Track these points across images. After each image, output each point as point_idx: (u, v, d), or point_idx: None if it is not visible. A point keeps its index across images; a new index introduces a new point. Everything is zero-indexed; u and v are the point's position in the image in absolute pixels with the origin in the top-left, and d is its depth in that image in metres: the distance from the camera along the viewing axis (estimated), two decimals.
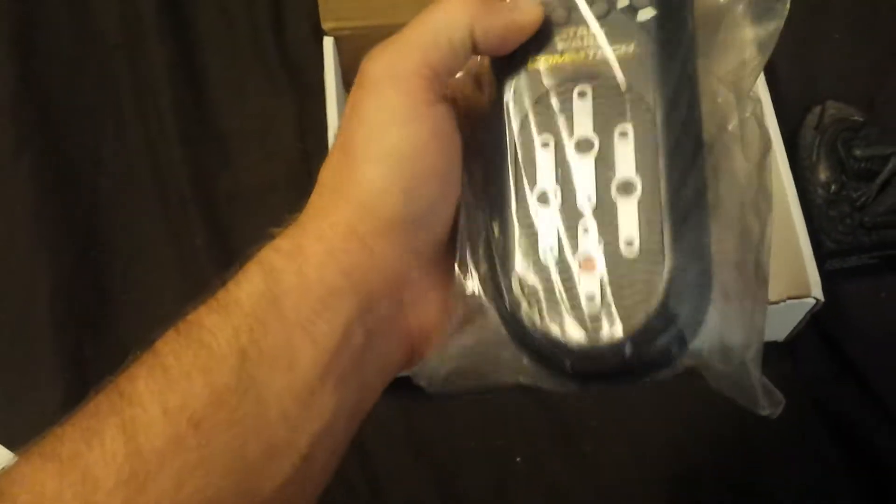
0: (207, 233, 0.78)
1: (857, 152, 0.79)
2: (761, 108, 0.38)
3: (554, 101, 0.37)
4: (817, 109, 0.82)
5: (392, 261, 0.36)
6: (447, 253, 0.38)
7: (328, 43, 0.75)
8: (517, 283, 0.36)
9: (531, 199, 0.37)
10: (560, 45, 0.37)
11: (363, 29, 0.76)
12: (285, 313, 0.34)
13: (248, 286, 0.35)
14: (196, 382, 0.33)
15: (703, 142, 0.36)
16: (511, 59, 0.38)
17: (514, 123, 0.37)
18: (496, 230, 0.37)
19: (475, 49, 0.37)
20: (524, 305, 0.36)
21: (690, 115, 0.36)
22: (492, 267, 0.37)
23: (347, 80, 0.79)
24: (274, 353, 0.34)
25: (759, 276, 0.37)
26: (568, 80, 0.37)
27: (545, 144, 0.37)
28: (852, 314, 0.75)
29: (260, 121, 0.83)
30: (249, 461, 0.33)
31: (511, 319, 0.37)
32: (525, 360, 0.37)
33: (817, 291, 0.66)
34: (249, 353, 0.34)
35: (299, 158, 0.80)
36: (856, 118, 0.81)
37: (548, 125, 0.37)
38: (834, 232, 0.78)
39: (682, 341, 0.35)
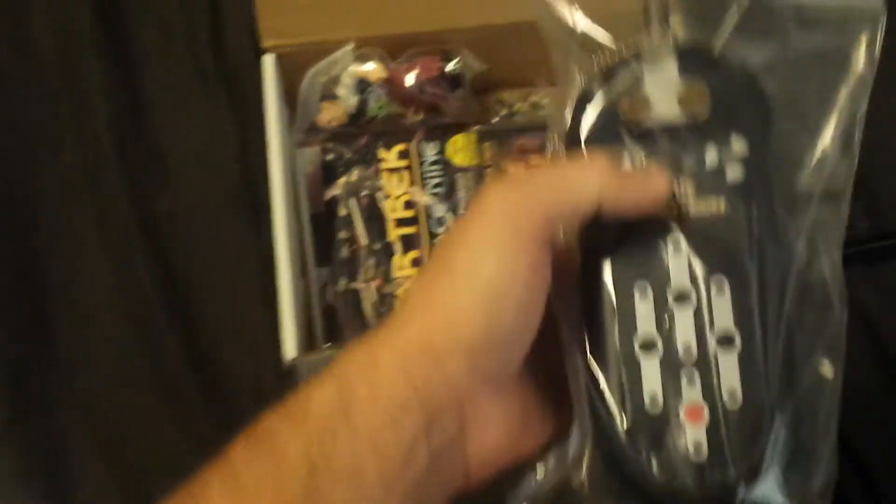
0: (147, 252, 0.77)
1: None
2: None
3: (652, 251, 0.38)
4: None
5: (462, 380, 0.37)
6: (516, 383, 0.39)
7: (268, 60, 0.75)
8: (623, 432, 0.37)
9: (635, 346, 0.38)
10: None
11: (304, 45, 0.76)
12: (355, 425, 0.35)
13: (320, 397, 0.36)
14: (266, 494, 0.34)
15: (791, 296, 0.38)
16: None
17: (612, 270, 0.39)
18: (600, 374, 0.38)
19: (599, 211, 0.37)
20: (632, 452, 0.37)
21: (778, 271, 0.38)
22: (595, 412, 0.38)
23: (290, 96, 0.79)
24: (342, 466, 0.34)
25: (830, 424, 0.39)
26: (664, 231, 0.38)
27: (643, 292, 0.38)
28: None
29: (200, 139, 0.82)
30: None
31: (615, 464, 0.38)
32: None
33: None
34: (318, 464, 0.34)
35: (241, 177, 0.80)
36: None
37: (646, 273, 0.38)
38: None
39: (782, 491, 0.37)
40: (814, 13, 0.41)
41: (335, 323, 0.74)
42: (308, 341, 0.72)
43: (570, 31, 0.41)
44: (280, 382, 0.68)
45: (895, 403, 0.74)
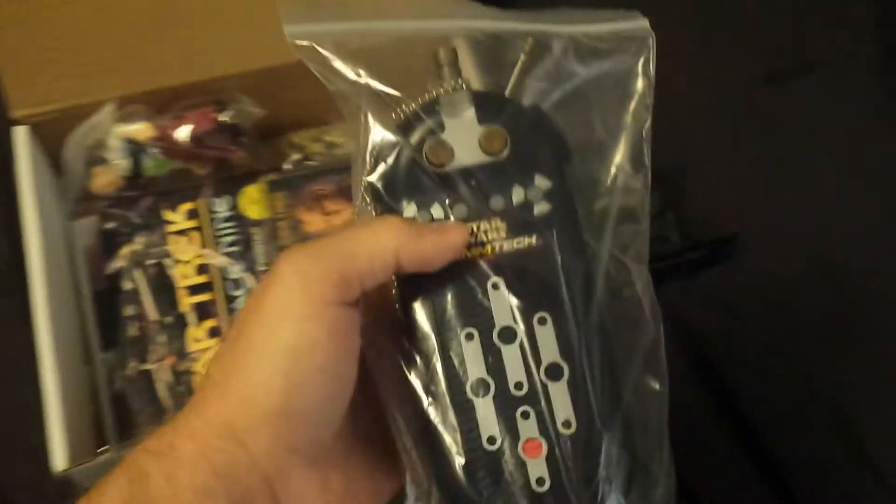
0: None
1: None
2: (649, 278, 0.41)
3: (471, 295, 0.39)
4: None
5: (269, 458, 0.35)
6: (335, 453, 0.38)
7: (20, 132, 0.68)
8: (463, 475, 0.38)
9: (467, 389, 0.38)
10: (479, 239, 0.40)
11: (60, 112, 0.70)
12: None
13: (113, 493, 0.34)
14: None
15: (607, 315, 0.40)
16: None
17: (436, 317, 0.39)
18: (436, 422, 0.38)
19: (398, 268, 0.37)
20: (472, 492, 0.38)
21: (591, 294, 0.39)
22: (431, 460, 0.38)
23: (55, 163, 0.72)
24: None
25: (662, 436, 0.40)
26: (481, 274, 0.39)
27: (469, 336, 0.38)
28: None
29: None
30: None
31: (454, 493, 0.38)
32: None
33: None
34: None
35: (9, 258, 0.73)
36: None
37: (469, 317, 0.39)
38: None
39: None
40: (589, 46, 0.42)
41: (127, 412, 0.68)
42: (97, 437, 0.66)
43: (357, 84, 0.40)
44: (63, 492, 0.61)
45: (717, 414, 0.72)
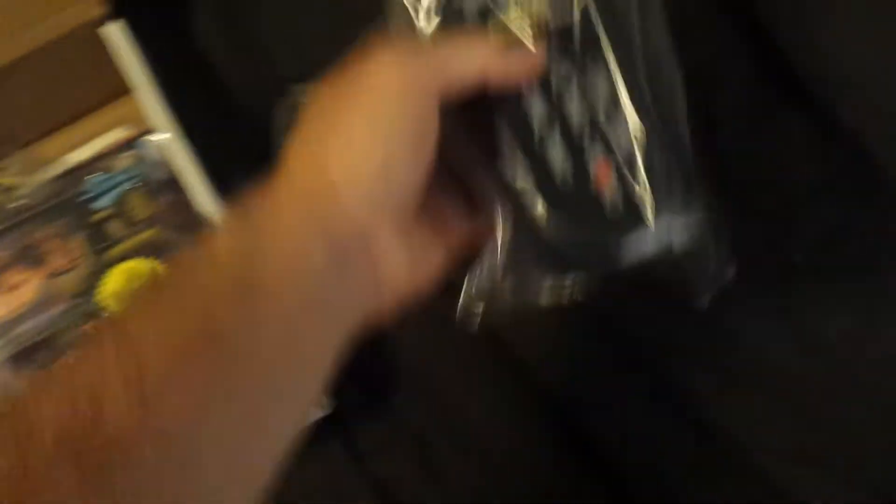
0: None
1: None
2: None
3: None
4: (288, 102, 0.64)
5: (366, 214, 0.39)
6: (413, 219, 0.41)
7: None
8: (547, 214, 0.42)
9: (540, 139, 0.43)
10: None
11: None
12: (267, 251, 0.37)
13: (226, 234, 0.39)
14: (197, 301, 0.36)
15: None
16: None
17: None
18: (517, 174, 0.43)
19: (482, 81, 0.41)
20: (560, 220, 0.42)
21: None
22: (514, 209, 0.43)
23: None
24: (273, 277, 0.37)
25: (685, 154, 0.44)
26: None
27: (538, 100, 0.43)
28: None
29: None
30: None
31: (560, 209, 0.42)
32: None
33: None
34: (244, 276, 0.36)
35: None
36: None
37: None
38: None
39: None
40: None
41: None
42: None
43: None
44: None
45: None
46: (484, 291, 0.44)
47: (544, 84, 0.43)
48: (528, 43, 0.42)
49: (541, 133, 0.43)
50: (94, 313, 0.58)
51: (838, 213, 0.58)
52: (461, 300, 0.45)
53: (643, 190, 0.42)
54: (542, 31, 0.43)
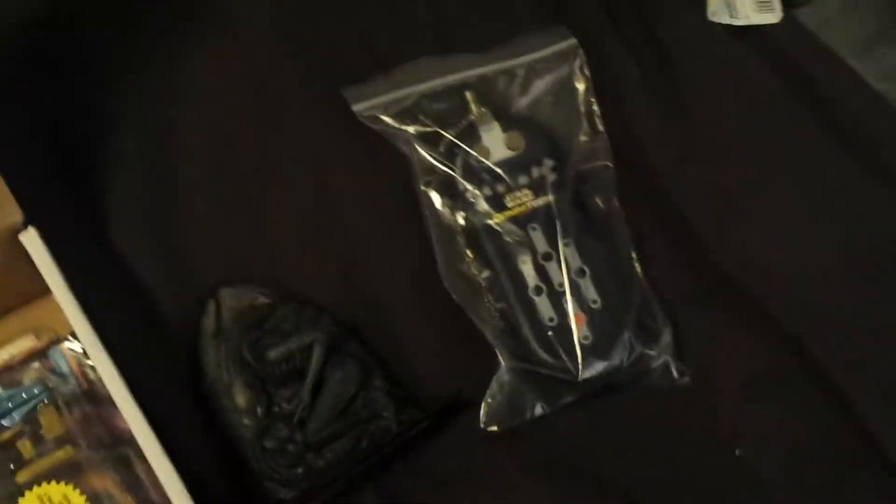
0: None
1: (271, 355, 0.59)
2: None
3: (520, 237, 0.64)
4: (211, 307, 0.62)
5: None
6: None
7: None
8: (537, 345, 0.62)
9: (529, 292, 0.63)
10: (510, 204, 0.65)
11: None
12: None
13: None
14: None
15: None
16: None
17: (501, 254, 0.64)
18: (517, 311, 0.63)
19: None
20: (545, 355, 0.62)
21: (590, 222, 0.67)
22: (515, 331, 0.63)
23: None
24: None
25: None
26: (523, 223, 0.64)
27: (524, 261, 0.63)
28: None
29: None
30: None
31: (536, 358, 0.62)
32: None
33: None
34: None
35: None
36: (261, 300, 0.62)
37: (521, 250, 0.64)
38: (280, 470, 0.57)
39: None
40: (540, 65, 0.69)
41: None
42: None
43: (406, 131, 0.67)
44: None
45: None
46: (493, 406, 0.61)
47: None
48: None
49: (531, 287, 0.62)
50: None
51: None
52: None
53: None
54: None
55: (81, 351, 0.58)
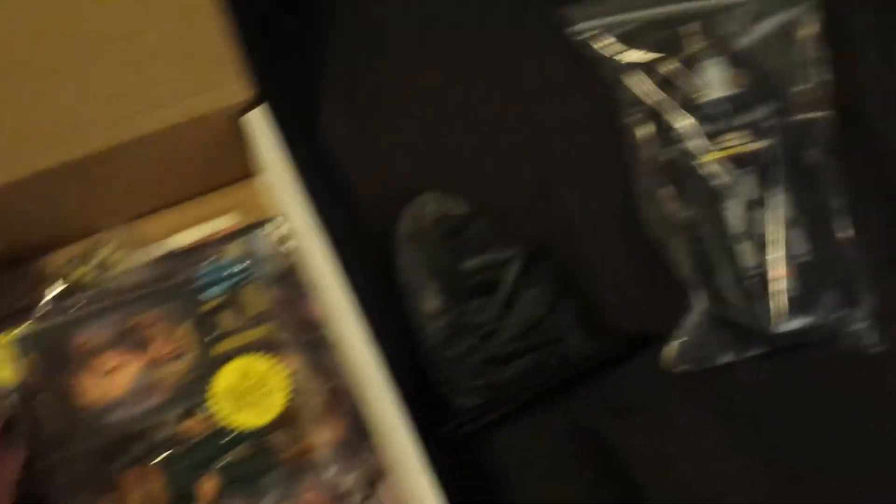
0: None
1: (467, 265, 0.59)
2: None
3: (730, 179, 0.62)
4: (412, 210, 0.62)
5: None
6: None
7: None
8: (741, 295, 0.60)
9: (734, 237, 0.61)
10: (725, 144, 0.62)
11: None
12: None
13: None
14: None
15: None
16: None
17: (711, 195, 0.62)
18: (717, 255, 0.60)
19: None
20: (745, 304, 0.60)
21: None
22: (712, 274, 0.60)
23: None
24: None
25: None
26: (737, 164, 0.62)
27: (731, 204, 0.61)
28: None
29: None
30: None
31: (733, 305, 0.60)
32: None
33: None
34: None
35: None
36: (460, 210, 0.62)
37: (729, 192, 0.61)
38: (461, 380, 0.57)
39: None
40: (769, 5, 0.66)
41: None
42: None
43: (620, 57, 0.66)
44: None
45: None
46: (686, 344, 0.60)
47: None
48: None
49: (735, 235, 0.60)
50: (196, 409, 0.53)
51: None
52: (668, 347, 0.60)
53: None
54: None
55: (283, 234, 0.59)
